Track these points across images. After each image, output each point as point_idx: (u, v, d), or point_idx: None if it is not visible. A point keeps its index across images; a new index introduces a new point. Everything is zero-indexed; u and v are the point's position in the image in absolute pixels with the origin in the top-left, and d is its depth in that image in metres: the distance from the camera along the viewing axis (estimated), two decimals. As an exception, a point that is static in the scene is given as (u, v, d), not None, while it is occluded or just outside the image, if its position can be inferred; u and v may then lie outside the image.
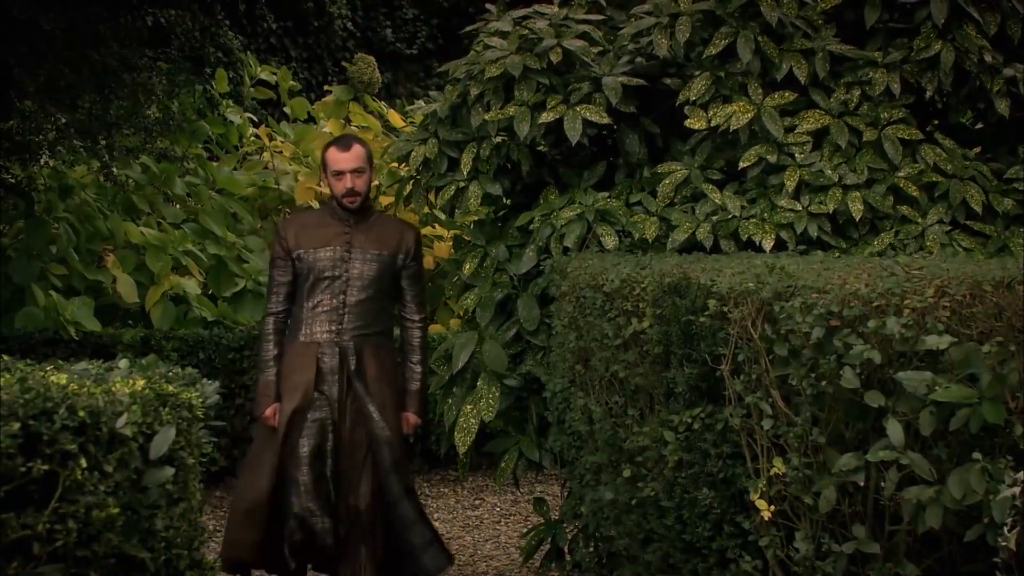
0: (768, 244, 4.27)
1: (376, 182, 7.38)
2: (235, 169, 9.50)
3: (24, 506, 2.61)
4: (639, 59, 4.81)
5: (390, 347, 5.03)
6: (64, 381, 2.81)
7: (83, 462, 2.67)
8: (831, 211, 4.35)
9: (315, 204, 8.85)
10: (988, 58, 4.57)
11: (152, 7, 8.03)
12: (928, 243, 4.30)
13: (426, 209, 7.11)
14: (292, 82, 10.76)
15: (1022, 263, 3.11)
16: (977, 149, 4.85)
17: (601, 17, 5.07)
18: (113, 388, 2.85)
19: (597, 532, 4.11)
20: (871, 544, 2.81)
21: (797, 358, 2.90)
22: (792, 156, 4.50)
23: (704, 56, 4.63)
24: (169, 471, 2.97)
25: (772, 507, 3.03)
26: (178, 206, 8.82)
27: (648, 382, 3.65)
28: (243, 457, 7.39)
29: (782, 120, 4.52)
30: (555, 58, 4.69)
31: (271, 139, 9.76)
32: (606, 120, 4.60)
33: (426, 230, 8.36)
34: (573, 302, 4.07)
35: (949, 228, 4.39)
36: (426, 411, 5.02)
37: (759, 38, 4.56)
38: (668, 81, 4.75)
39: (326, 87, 11.11)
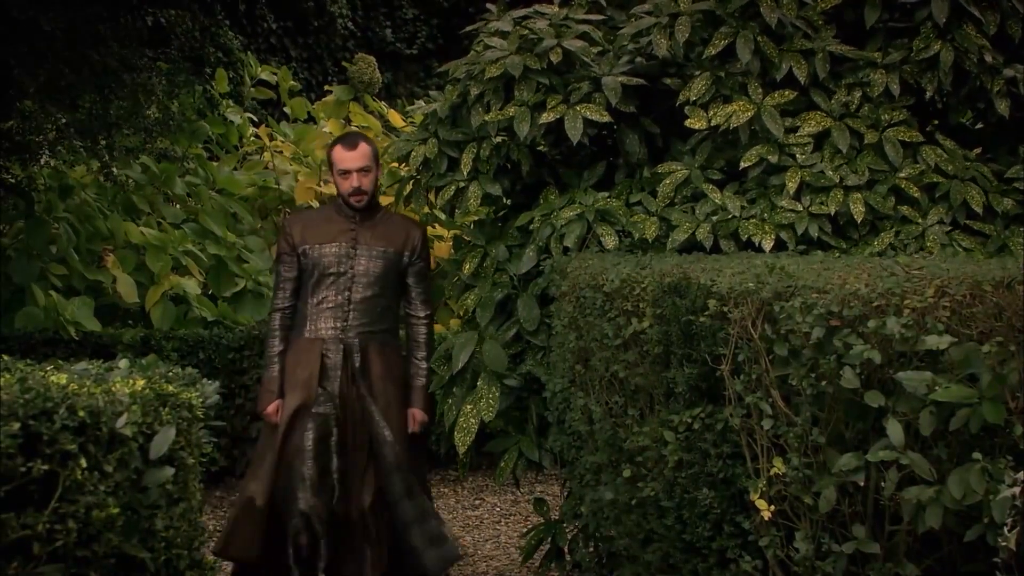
0: (768, 244, 4.27)
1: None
2: (235, 169, 9.50)
3: (24, 506, 2.61)
4: (639, 59, 4.81)
5: (396, 345, 5.03)
6: (64, 381, 2.81)
7: (83, 462, 2.67)
8: (832, 212, 4.35)
9: (315, 204, 8.85)
10: (988, 58, 4.57)
11: (152, 7, 8.03)
12: (928, 243, 4.30)
13: (426, 209, 7.10)
14: (292, 82, 10.76)
15: (1022, 263, 3.11)
16: (978, 150, 4.85)
17: (601, 17, 5.07)
18: (113, 388, 2.85)
19: (597, 532, 4.10)
20: (871, 544, 2.81)
21: (797, 358, 2.90)
22: (793, 157, 4.50)
23: (704, 56, 4.63)
24: (169, 471, 2.97)
25: (772, 507, 3.03)
26: (178, 206, 8.82)
27: (648, 382, 3.65)
28: (244, 457, 7.43)
29: (783, 120, 4.52)
30: (555, 58, 4.69)
31: (271, 139, 9.76)
32: (607, 119, 4.60)
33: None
34: (573, 302, 4.07)
35: (949, 228, 4.39)
36: (433, 408, 5.01)
37: (759, 38, 4.56)
38: (668, 81, 4.75)
39: (326, 87, 11.11)
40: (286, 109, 10.63)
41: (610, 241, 4.47)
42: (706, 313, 3.25)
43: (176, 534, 3.06)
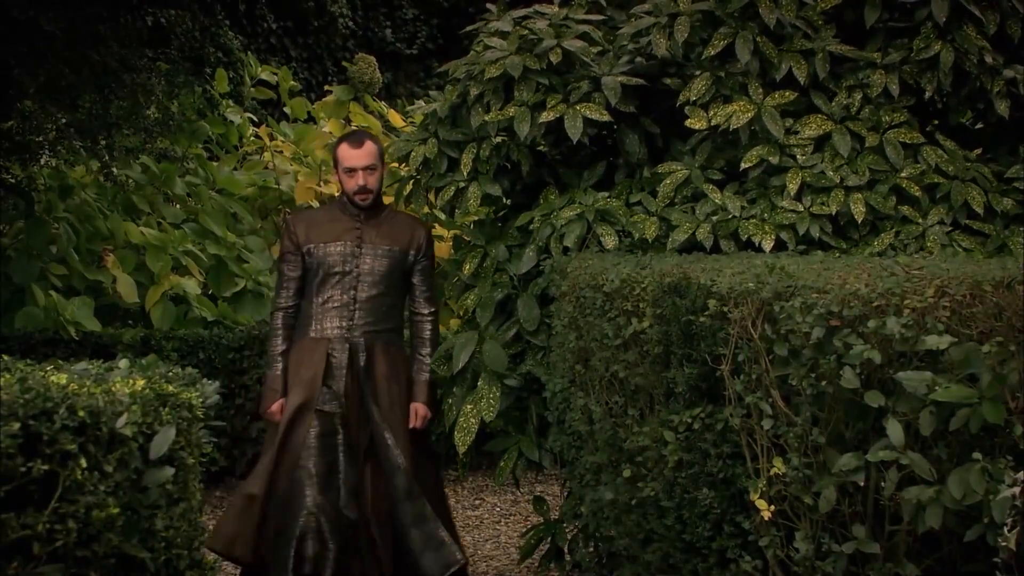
0: (768, 245, 4.27)
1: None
2: (235, 169, 9.50)
3: (24, 506, 2.61)
4: (639, 59, 4.81)
5: (400, 344, 5.03)
6: (64, 381, 2.81)
7: (83, 462, 2.67)
8: (833, 212, 4.35)
9: (315, 204, 8.85)
10: (988, 59, 4.57)
11: (152, 7, 8.03)
12: (928, 244, 4.30)
13: (426, 209, 7.10)
14: (292, 82, 10.76)
15: (1022, 263, 3.11)
16: (978, 150, 4.85)
17: (601, 17, 5.07)
18: (113, 388, 2.85)
19: (597, 532, 4.10)
20: (871, 544, 2.81)
21: (797, 358, 2.90)
22: (793, 158, 4.50)
23: (703, 57, 4.63)
24: (169, 471, 2.97)
25: (772, 507, 3.03)
26: (178, 206, 8.82)
27: (648, 382, 3.65)
28: (244, 457, 7.43)
29: (783, 121, 4.52)
30: (555, 58, 4.69)
31: (272, 139, 9.76)
32: (606, 118, 4.60)
33: (426, 230, 8.35)
34: (573, 302, 4.07)
35: (950, 229, 4.39)
36: (436, 403, 4.99)
37: (758, 39, 4.56)
38: (668, 81, 4.75)
39: (326, 87, 11.11)
40: (286, 109, 10.63)
41: (610, 241, 4.47)
42: (706, 313, 3.25)
43: (176, 534, 3.05)
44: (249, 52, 11.91)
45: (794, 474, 2.93)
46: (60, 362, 3.26)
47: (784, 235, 4.32)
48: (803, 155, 4.49)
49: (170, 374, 3.24)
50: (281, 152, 9.58)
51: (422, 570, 4.83)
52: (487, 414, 4.65)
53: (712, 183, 4.56)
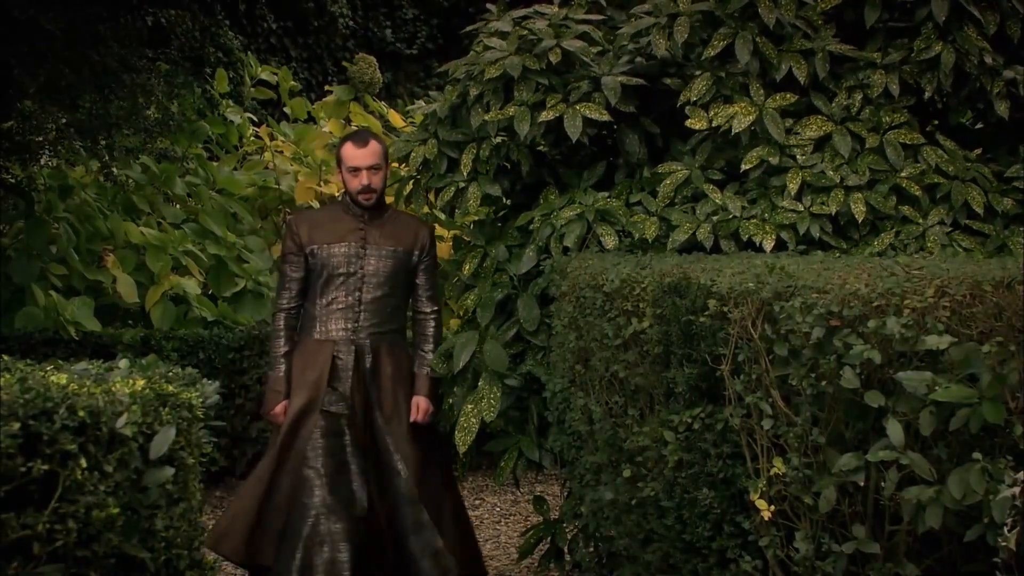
0: (769, 245, 4.27)
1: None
2: (235, 169, 9.50)
3: (24, 506, 2.61)
4: (639, 59, 4.81)
5: (404, 345, 5.02)
6: (64, 381, 2.81)
7: (83, 462, 2.67)
8: (833, 212, 4.35)
9: (315, 204, 8.85)
10: (988, 60, 4.57)
11: (152, 7, 8.03)
12: (929, 244, 4.30)
13: (426, 209, 7.11)
14: (292, 82, 10.76)
15: (1022, 263, 3.11)
16: (978, 150, 4.85)
17: (601, 17, 5.07)
18: (113, 388, 2.85)
19: (597, 532, 4.10)
20: (871, 544, 2.81)
21: (797, 358, 2.90)
22: (793, 158, 4.50)
23: (703, 58, 4.63)
24: (169, 471, 2.97)
25: (772, 507, 3.03)
26: (178, 206, 8.82)
27: (648, 382, 3.65)
28: (244, 457, 7.43)
29: (783, 121, 4.52)
30: (554, 58, 4.69)
31: (272, 139, 9.76)
32: (606, 117, 4.59)
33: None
34: (573, 302, 4.07)
35: (950, 229, 4.39)
36: (438, 397, 4.98)
37: (757, 39, 4.56)
38: (668, 81, 4.75)
39: (327, 87, 11.11)
40: (286, 109, 10.63)
41: (610, 241, 4.47)
42: (706, 313, 3.25)
43: (176, 534, 3.06)
44: (249, 52, 11.92)
45: (794, 474, 2.93)
46: (60, 362, 3.27)
47: (784, 235, 4.32)
48: (803, 155, 4.49)
49: (170, 374, 3.24)
50: (281, 152, 9.58)
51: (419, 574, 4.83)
52: (487, 414, 4.65)
53: (712, 183, 4.55)
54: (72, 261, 7.72)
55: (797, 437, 2.93)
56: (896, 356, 2.76)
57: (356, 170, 4.91)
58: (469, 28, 5.27)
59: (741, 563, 3.20)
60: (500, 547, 6.33)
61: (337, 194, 8.43)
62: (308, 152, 9.45)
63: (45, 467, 2.61)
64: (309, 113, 10.50)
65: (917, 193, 4.42)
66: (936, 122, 4.95)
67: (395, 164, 5.49)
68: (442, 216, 7.72)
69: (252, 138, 10.04)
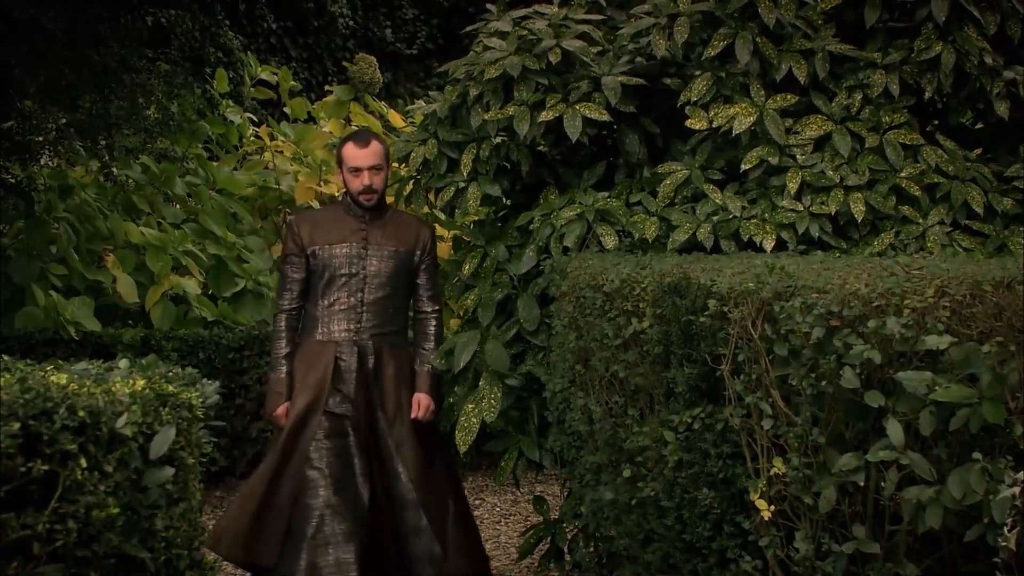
0: (769, 244, 4.27)
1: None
2: (235, 169, 9.50)
3: (24, 506, 2.61)
4: (639, 59, 4.81)
5: (406, 345, 5.01)
6: (64, 381, 2.81)
7: (83, 462, 2.67)
8: (833, 212, 4.35)
9: (315, 204, 8.85)
10: (988, 60, 4.57)
11: (152, 7, 8.03)
12: (929, 244, 4.30)
13: (426, 209, 7.11)
14: (292, 82, 10.76)
15: (1022, 263, 3.11)
16: (978, 150, 4.85)
17: (601, 17, 5.07)
18: (113, 388, 2.85)
19: (597, 532, 4.10)
20: (871, 544, 2.81)
21: (797, 358, 2.90)
22: (793, 158, 4.50)
23: (703, 58, 4.63)
24: (169, 471, 2.97)
25: (772, 507, 3.03)
26: (178, 206, 8.82)
27: (648, 382, 3.65)
28: (244, 457, 7.43)
29: (783, 121, 4.52)
30: (554, 58, 4.69)
31: (272, 139, 9.76)
32: (606, 117, 4.59)
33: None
34: (573, 302, 4.07)
35: (950, 229, 4.39)
36: (440, 395, 4.97)
37: (757, 39, 4.56)
38: (668, 81, 4.75)
39: (327, 87, 11.12)
40: (286, 109, 10.64)
41: (610, 241, 4.47)
42: (706, 313, 3.25)
43: (176, 534, 3.06)
44: (249, 52, 11.92)
45: (794, 474, 2.93)
46: (60, 362, 3.27)
47: (785, 235, 4.32)
48: (803, 155, 4.49)
49: (170, 374, 3.24)
50: (281, 152, 9.58)
51: None
52: (488, 414, 4.64)
53: (712, 183, 4.55)
54: (72, 261, 7.72)
55: (797, 437, 2.93)
56: (896, 356, 2.76)
57: (357, 170, 4.90)
58: (469, 28, 5.27)
59: (741, 563, 3.20)
60: (500, 547, 6.32)
61: (337, 194, 8.43)
62: (308, 152, 9.45)
63: (45, 467, 2.61)
64: (309, 113, 10.50)
65: (917, 193, 4.42)
66: (936, 122, 4.95)
67: (395, 164, 5.49)
68: (442, 216, 7.72)
69: (252, 138, 10.04)
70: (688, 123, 4.58)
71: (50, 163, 7.92)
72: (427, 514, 4.81)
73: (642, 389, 3.68)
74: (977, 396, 2.57)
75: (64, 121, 7.41)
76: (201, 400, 3.23)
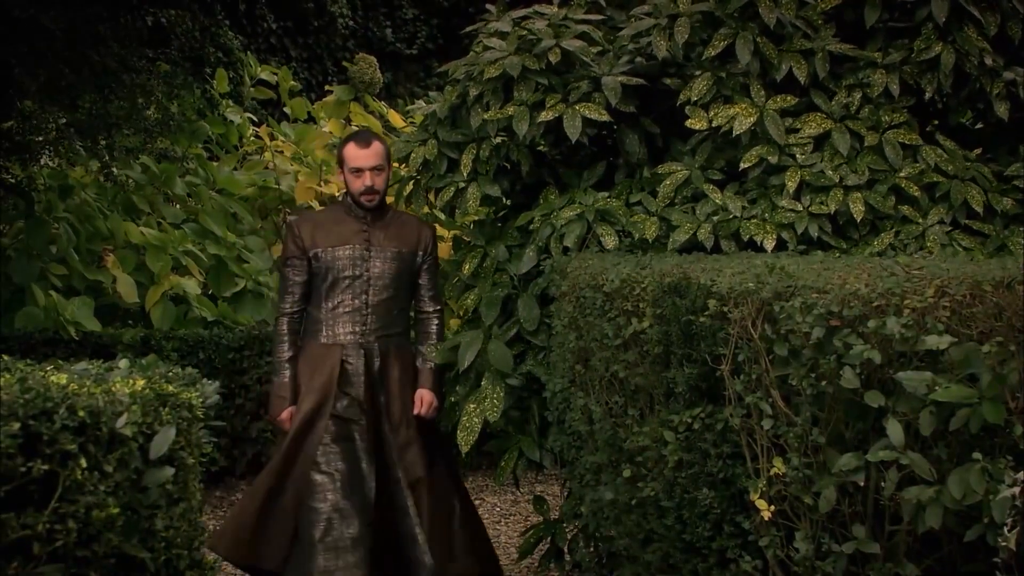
0: (769, 244, 4.27)
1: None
2: (235, 169, 9.50)
3: (24, 506, 2.61)
4: (639, 59, 4.81)
5: (410, 347, 5.00)
6: (64, 381, 2.81)
7: (83, 462, 2.67)
8: (832, 212, 4.35)
9: (315, 204, 8.85)
10: (988, 60, 4.57)
11: (152, 7, 8.03)
12: (928, 243, 4.30)
13: (426, 209, 7.11)
14: (292, 82, 10.76)
15: (1022, 263, 3.11)
16: (978, 150, 4.86)
17: (600, 17, 5.07)
18: (113, 388, 2.85)
19: (597, 532, 4.10)
20: (871, 544, 2.81)
21: (797, 358, 2.90)
22: (793, 157, 4.50)
23: (704, 58, 4.63)
24: (169, 471, 2.97)
25: (772, 507, 3.03)
26: (178, 206, 8.82)
27: (648, 382, 3.65)
28: (244, 457, 7.43)
29: (783, 120, 4.52)
30: (554, 58, 4.69)
31: (272, 139, 9.76)
32: (606, 118, 4.59)
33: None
34: (573, 302, 4.07)
35: (949, 228, 4.39)
36: (442, 392, 4.96)
37: (758, 39, 4.56)
38: (668, 81, 4.75)
39: (327, 87, 11.12)
40: (286, 109, 10.64)
41: (610, 241, 4.47)
42: (706, 313, 3.25)
43: (176, 534, 3.05)
44: (249, 52, 11.92)
45: (794, 474, 2.93)
46: (60, 362, 3.26)
47: (785, 235, 4.32)
48: (802, 154, 4.49)
49: (170, 374, 3.23)
50: (281, 152, 9.58)
51: None
52: (491, 414, 4.64)
53: (712, 183, 4.56)
54: (72, 261, 7.72)
55: (797, 437, 2.93)
56: (896, 356, 2.76)
57: (359, 171, 4.87)
58: (469, 28, 5.27)
59: (741, 563, 3.20)
60: (500, 547, 6.32)
61: (338, 194, 8.43)
62: (308, 152, 9.45)
63: (45, 467, 2.61)
64: (309, 113, 10.50)
65: (916, 193, 4.42)
66: (936, 122, 4.95)
67: (395, 164, 5.49)
68: (442, 216, 7.72)
69: (252, 138, 10.04)
70: (688, 123, 4.58)
71: (50, 163, 7.92)
72: (421, 522, 4.80)
73: (642, 389, 3.68)
74: (977, 396, 2.57)
75: (64, 121, 7.41)
76: (201, 400, 3.23)
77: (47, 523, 2.63)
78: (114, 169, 7.81)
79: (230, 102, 10.11)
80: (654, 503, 3.52)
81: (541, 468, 4.94)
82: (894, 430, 2.68)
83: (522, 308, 4.70)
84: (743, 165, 4.49)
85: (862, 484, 2.81)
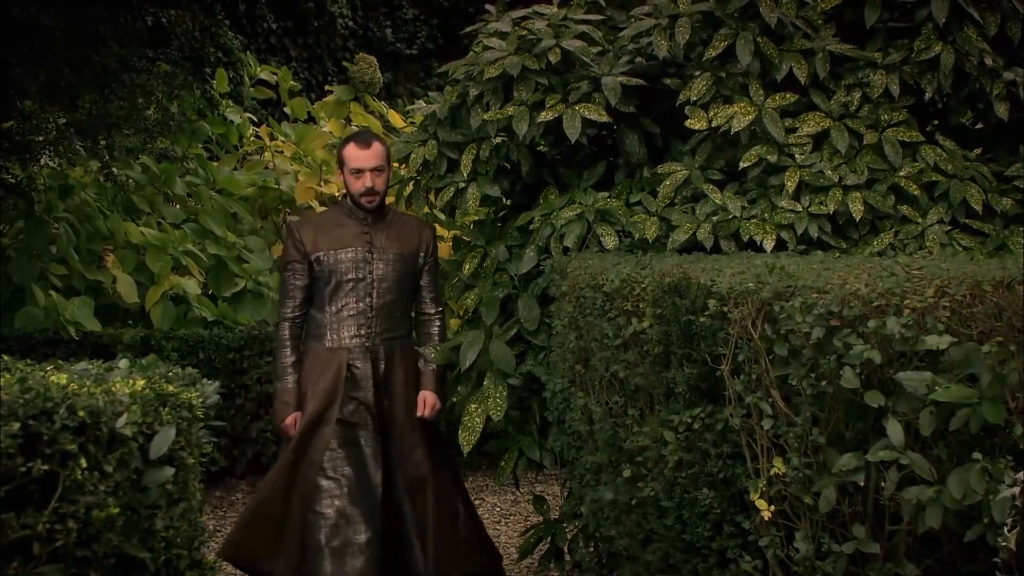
0: (769, 244, 4.27)
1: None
2: (235, 169, 9.50)
3: (24, 506, 2.61)
4: (639, 59, 4.81)
5: (413, 349, 4.99)
6: (64, 381, 2.81)
7: (83, 462, 2.67)
8: (831, 212, 4.36)
9: (315, 204, 8.85)
10: (988, 61, 4.57)
11: (152, 7, 8.03)
12: (928, 243, 4.30)
13: (426, 209, 7.11)
14: (292, 82, 10.76)
15: (1022, 263, 3.11)
16: (978, 150, 4.86)
17: (600, 17, 5.07)
18: (113, 388, 2.85)
19: (597, 532, 4.10)
20: (871, 544, 2.81)
21: (797, 358, 2.90)
22: (792, 157, 4.50)
23: (704, 59, 4.63)
24: (169, 471, 2.97)
25: (772, 507, 3.03)
26: (178, 206, 8.82)
27: (648, 382, 3.65)
28: (244, 457, 7.43)
29: (783, 120, 4.52)
30: (554, 58, 4.69)
31: (272, 139, 9.76)
32: (605, 118, 4.59)
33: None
34: (573, 302, 4.07)
35: (949, 228, 4.39)
36: (444, 393, 4.95)
37: (758, 39, 4.56)
38: (668, 81, 4.75)
39: (327, 87, 11.12)
40: (286, 109, 10.64)
41: (610, 241, 4.47)
42: (706, 313, 3.25)
43: (176, 534, 3.06)
44: (249, 52, 11.92)
45: (794, 474, 2.93)
46: (60, 362, 3.26)
47: (785, 235, 4.32)
48: (802, 154, 4.49)
49: (170, 374, 3.24)
50: (281, 152, 9.58)
51: None
52: (495, 413, 4.63)
53: (712, 183, 4.56)
54: (72, 261, 7.72)
55: (797, 437, 2.93)
56: (896, 356, 2.76)
57: (359, 172, 4.83)
58: (469, 29, 5.27)
59: (741, 563, 3.20)
60: (500, 547, 6.31)
61: (338, 194, 8.42)
62: (308, 152, 9.45)
63: (45, 467, 2.61)
64: (309, 113, 10.50)
65: (915, 192, 4.42)
66: (936, 122, 4.95)
67: (395, 165, 5.49)
68: (442, 216, 7.72)
69: (252, 138, 10.05)
70: (688, 123, 4.58)
71: (50, 163, 7.92)
72: (421, 526, 4.80)
73: (642, 389, 3.68)
74: (977, 396, 2.57)
75: (64, 121, 7.40)
76: (201, 400, 3.23)
77: (47, 523, 2.63)
78: (114, 169, 7.81)
79: (230, 102, 10.11)
80: (654, 503, 3.52)
81: (541, 468, 4.94)
82: (894, 430, 2.68)
83: (522, 308, 4.70)
84: (743, 165, 4.49)
85: (862, 484, 2.81)
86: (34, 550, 2.62)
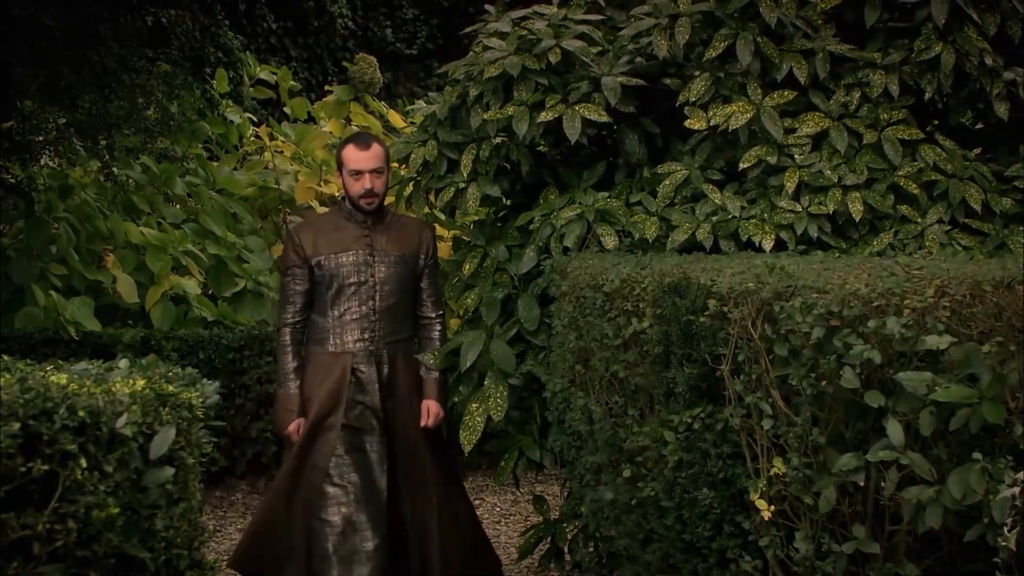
0: (768, 245, 4.27)
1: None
2: (235, 169, 9.50)
3: (24, 506, 2.61)
4: (639, 59, 4.81)
5: (414, 351, 4.98)
6: (64, 381, 2.81)
7: (83, 462, 2.67)
8: (831, 212, 4.36)
9: (315, 204, 8.85)
10: (988, 61, 4.57)
11: (152, 7, 8.03)
12: (928, 243, 4.30)
13: (426, 210, 7.11)
14: (292, 82, 10.76)
15: (1022, 263, 3.11)
16: (978, 150, 4.85)
17: (600, 17, 5.07)
18: (113, 388, 2.85)
19: (597, 532, 4.10)
20: (871, 544, 2.81)
21: (797, 358, 2.90)
22: (792, 157, 4.50)
23: (705, 59, 4.63)
24: (169, 471, 2.97)
25: (772, 507, 3.03)
26: (178, 206, 8.82)
27: (648, 382, 3.65)
28: (244, 457, 7.43)
29: (782, 120, 4.52)
30: (554, 58, 4.69)
31: (272, 139, 9.76)
32: (605, 118, 4.59)
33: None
34: (573, 302, 4.07)
35: (948, 228, 4.39)
36: (446, 400, 4.94)
37: (758, 39, 4.56)
38: (668, 81, 4.75)
39: (327, 87, 11.12)
40: (286, 109, 10.64)
41: (610, 241, 4.47)
42: (706, 313, 3.25)
43: (176, 534, 3.06)
44: (249, 52, 11.92)
45: (794, 474, 2.93)
46: (60, 362, 3.27)
47: (784, 235, 4.32)
48: (801, 154, 4.49)
49: (170, 374, 3.24)
50: (281, 152, 9.58)
51: None
52: (496, 413, 4.63)
53: (712, 183, 4.56)
54: (72, 261, 7.72)
55: (797, 437, 2.93)
56: (896, 356, 2.76)
57: (358, 173, 4.80)
58: (469, 29, 5.27)
59: (741, 563, 3.20)
60: (500, 547, 6.32)
61: (337, 194, 8.42)
62: (308, 152, 9.45)
63: (45, 467, 2.61)
64: (309, 113, 10.50)
65: (915, 192, 4.42)
66: (936, 122, 4.95)
67: (395, 165, 5.48)
68: (442, 216, 7.72)
69: (252, 138, 10.04)
70: (687, 123, 4.58)
71: (50, 163, 7.92)
72: (424, 528, 4.80)
73: (642, 389, 3.68)
74: (977, 396, 2.57)
75: (64, 121, 7.40)
76: (201, 400, 3.23)
77: (47, 523, 2.63)
78: (114, 169, 7.81)
79: (230, 102, 10.11)
80: (654, 503, 3.52)
81: (541, 468, 4.94)
82: (894, 430, 2.68)
83: (522, 308, 4.70)
84: (742, 165, 4.49)
85: (862, 484, 2.81)
86: (34, 550, 2.62)
